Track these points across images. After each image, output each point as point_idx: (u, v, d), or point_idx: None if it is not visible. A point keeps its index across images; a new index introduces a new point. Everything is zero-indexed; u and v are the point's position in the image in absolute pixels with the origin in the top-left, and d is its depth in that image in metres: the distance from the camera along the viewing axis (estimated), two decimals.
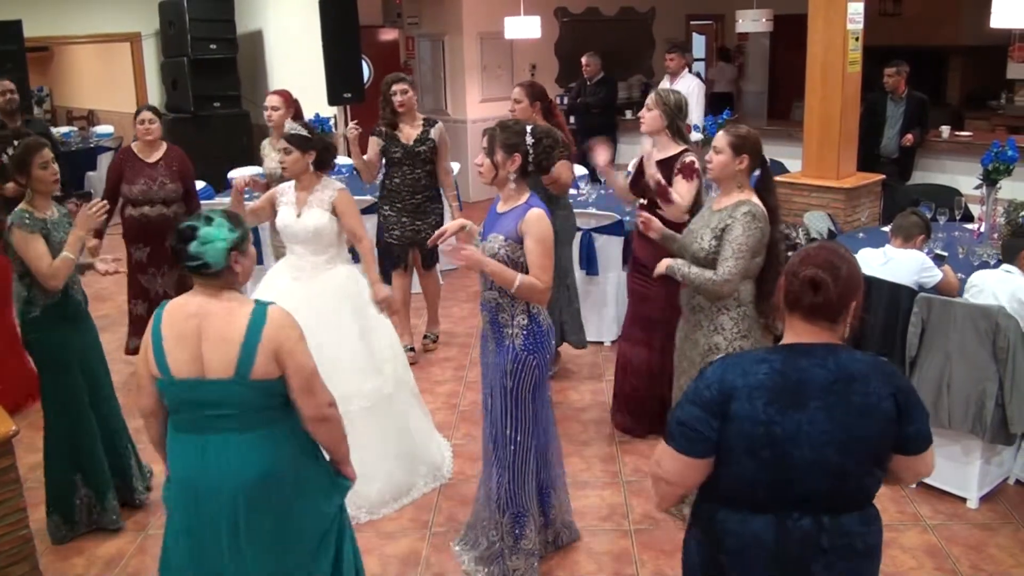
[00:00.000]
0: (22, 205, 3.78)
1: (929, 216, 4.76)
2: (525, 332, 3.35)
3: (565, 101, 10.22)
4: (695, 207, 4.26)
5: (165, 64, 10.16)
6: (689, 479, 2.18)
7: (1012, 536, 3.91)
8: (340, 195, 4.16)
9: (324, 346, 3.95)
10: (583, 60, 9.34)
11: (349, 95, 8.93)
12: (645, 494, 4.32)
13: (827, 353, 2.09)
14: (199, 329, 2.54)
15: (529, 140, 3.31)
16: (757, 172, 3.76)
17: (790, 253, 5.15)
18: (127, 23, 10.19)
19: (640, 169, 4.52)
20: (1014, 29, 9.97)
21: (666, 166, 4.37)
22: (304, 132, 4.14)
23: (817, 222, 5.62)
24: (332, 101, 8.87)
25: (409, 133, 5.63)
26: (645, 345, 4.68)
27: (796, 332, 2.15)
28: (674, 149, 4.43)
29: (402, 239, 5.72)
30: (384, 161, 5.76)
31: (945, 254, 5.03)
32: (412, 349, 5.88)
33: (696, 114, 8.42)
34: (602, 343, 6.17)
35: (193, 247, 2.50)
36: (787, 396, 2.05)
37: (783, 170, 7.46)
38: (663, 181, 4.25)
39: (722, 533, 2.17)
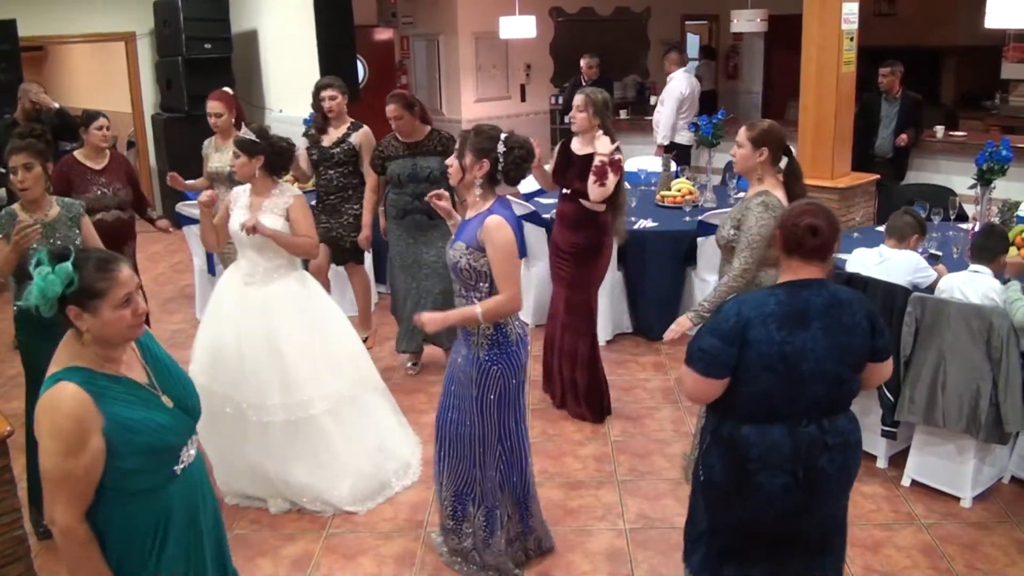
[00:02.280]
0: (15, 205, 3.80)
1: (924, 216, 4.76)
2: (489, 343, 3.36)
3: (560, 101, 10.24)
4: (616, 200, 4.74)
5: (159, 64, 10.13)
6: (705, 396, 2.68)
7: (1006, 535, 3.92)
8: (296, 201, 4.16)
9: (284, 353, 4.01)
10: (583, 63, 9.34)
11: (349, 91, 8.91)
12: (640, 493, 4.32)
13: (820, 286, 2.61)
14: None
15: (500, 148, 3.29)
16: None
17: None
18: (122, 23, 10.16)
19: (562, 160, 4.91)
20: (1008, 29, 10.00)
21: (589, 161, 4.69)
22: (253, 137, 4.12)
23: None
24: None
25: (332, 136, 5.76)
26: (559, 327, 5.07)
27: (794, 271, 2.65)
28: (603, 145, 4.68)
29: (321, 237, 5.72)
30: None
31: (940, 254, 5.04)
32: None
33: (665, 118, 8.49)
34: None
35: (31, 287, 2.16)
36: (793, 320, 2.55)
37: None
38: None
39: (746, 445, 2.61)
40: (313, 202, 5.89)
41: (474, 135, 3.34)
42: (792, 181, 3.85)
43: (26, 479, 3.99)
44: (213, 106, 5.66)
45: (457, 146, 3.37)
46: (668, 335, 3.82)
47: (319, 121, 5.79)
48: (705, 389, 2.64)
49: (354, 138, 5.73)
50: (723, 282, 3.84)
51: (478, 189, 3.35)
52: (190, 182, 5.96)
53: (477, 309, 3.27)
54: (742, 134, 3.86)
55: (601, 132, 4.73)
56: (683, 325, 3.82)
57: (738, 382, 2.59)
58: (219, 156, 5.70)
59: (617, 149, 4.70)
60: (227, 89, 5.95)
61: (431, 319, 3.34)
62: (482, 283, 3.31)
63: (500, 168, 3.30)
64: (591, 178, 4.64)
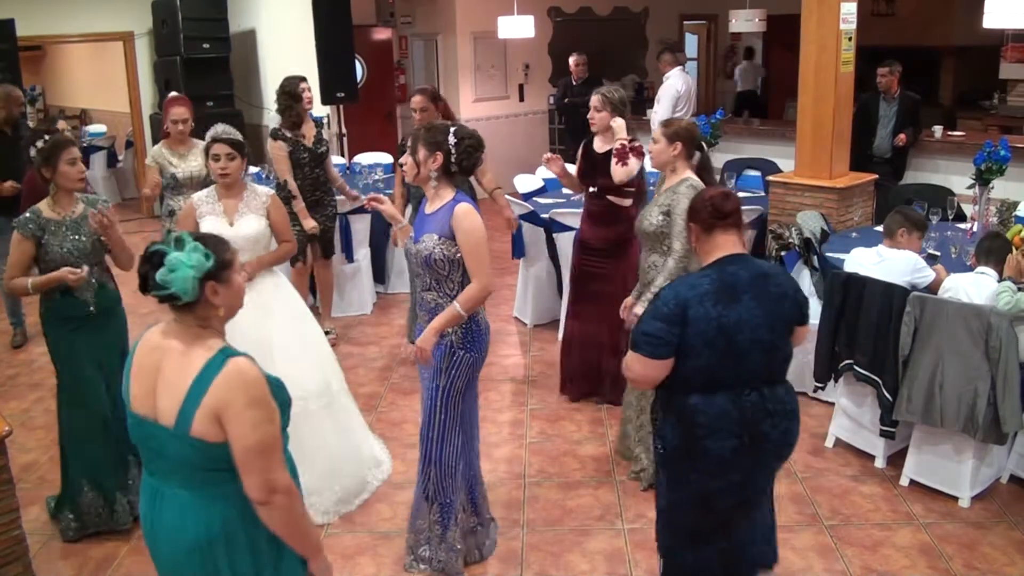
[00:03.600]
0: (41, 203, 3.82)
1: (922, 215, 4.76)
2: (464, 329, 3.42)
3: (552, 100, 10.25)
4: (641, 186, 4.92)
5: (158, 63, 10.12)
6: (652, 378, 2.85)
7: (1005, 535, 3.92)
8: (273, 200, 4.15)
9: (275, 354, 3.97)
10: (572, 60, 9.37)
11: (342, 95, 8.91)
12: (639, 493, 4.32)
13: (743, 260, 2.86)
14: (158, 364, 2.25)
15: (451, 140, 3.34)
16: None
17: (784, 253, 5.23)
18: (120, 22, 10.15)
19: (585, 161, 5.04)
20: (1006, 29, 10.03)
21: (610, 157, 4.81)
22: (238, 135, 4.11)
23: (810, 221, 5.63)
24: (325, 100, 8.85)
25: (308, 135, 5.83)
26: (595, 320, 5.12)
27: (719, 246, 2.86)
28: (621, 130, 4.80)
29: (302, 234, 5.74)
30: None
31: (938, 254, 5.04)
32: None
33: (660, 118, 8.49)
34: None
35: (159, 275, 2.16)
36: (726, 295, 2.76)
37: (776, 170, 7.46)
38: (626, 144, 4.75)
39: (694, 413, 2.81)
40: (363, 200, 5.96)
41: (424, 131, 3.41)
42: (704, 173, 4.14)
43: (60, 477, 4.01)
44: (179, 112, 5.60)
45: (409, 145, 3.42)
46: (629, 323, 4.05)
47: (295, 117, 5.81)
48: (652, 371, 2.82)
49: (326, 133, 5.79)
50: (668, 267, 4.06)
51: (434, 183, 3.40)
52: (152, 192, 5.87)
53: (457, 307, 3.32)
54: (658, 131, 4.15)
55: (619, 121, 4.83)
56: (632, 306, 4.14)
57: (683, 358, 2.78)
58: (186, 161, 5.60)
59: (636, 139, 4.84)
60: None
61: (422, 352, 3.38)
62: (455, 273, 3.36)
63: (453, 159, 3.35)
64: (613, 160, 4.74)
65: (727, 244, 2.86)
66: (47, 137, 3.84)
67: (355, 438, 4.41)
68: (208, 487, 2.24)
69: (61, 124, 5.85)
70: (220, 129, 4.10)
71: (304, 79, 5.91)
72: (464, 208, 3.32)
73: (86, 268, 3.74)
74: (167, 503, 2.27)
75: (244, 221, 4.05)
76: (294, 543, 2.33)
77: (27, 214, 3.78)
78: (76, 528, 3.99)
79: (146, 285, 2.20)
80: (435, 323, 3.37)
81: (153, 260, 2.18)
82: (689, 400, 2.81)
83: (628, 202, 4.90)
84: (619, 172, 4.74)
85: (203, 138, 5.80)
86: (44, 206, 3.81)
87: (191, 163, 5.53)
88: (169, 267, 2.16)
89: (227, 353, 2.22)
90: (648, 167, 4.57)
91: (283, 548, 2.33)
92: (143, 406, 2.26)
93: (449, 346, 3.42)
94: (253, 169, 5.85)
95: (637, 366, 2.84)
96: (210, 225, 3.98)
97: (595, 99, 4.86)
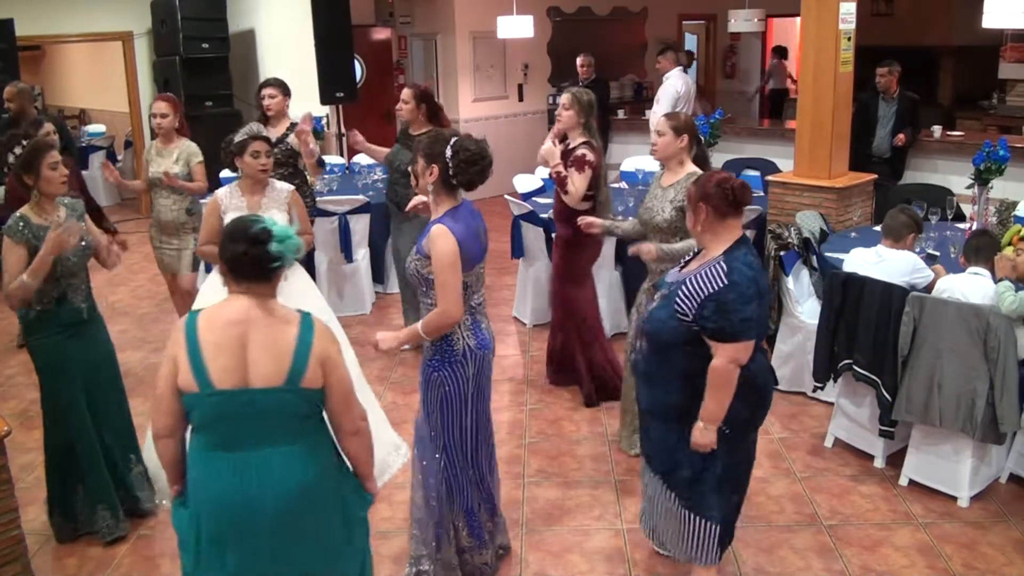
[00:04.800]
0: (24, 208, 3.75)
1: (921, 215, 4.77)
2: (434, 348, 3.34)
3: (556, 101, 10.21)
4: (597, 197, 4.92)
5: (157, 63, 10.12)
6: (747, 357, 2.98)
7: (1004, 534, 3.93)
8: (293, 195, 4.23)
9: None
10: (579, 61, 9.34)
11: (341, 94, 8.91)
12: (638, 493, 4.32)
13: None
14: (243, 336, 2.49)
15: (448, 152, 3.24)
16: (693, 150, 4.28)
17: (783, 253, 5.23)
18: (119, 22, 10.15)
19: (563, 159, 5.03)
20: (1006, 29, 10.03)
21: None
22: (268, 134, 4.15)
23: (809, 221, 5.63)
24: (324, 100, 8.86)
25: (273, 136, 5.67)
26: (564, 319, 5.31)
27: (729, 228, 3.02)
28: (574, 144, 4.90)
29: None
30: None
31: (937, 254, 5.05)
32: None
33: (687, 109, 8.47)
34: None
35: (274, 247, 2.48)
36: (761, 265, 3.08)
37: (775, 169, 7.46)
38: (563, 172, 4.85)
39: (755, 376, 3.04)
40: (363, 199, 5.95)
41: (426, 140, 3.33)
42: (703, 165, 4.24)
43: (45, 479, 4.00)
44: (159, 107, 5.56)
45: (413, 154, 3.38)
46: (646, 255, 4.13)
47: (259, 120, 5.78)
48: (750, 350, 2.98)
49: (292, 139, 5.68)
50: (690, 245, 3.96)
51: (432, 195, 3.33)
52: (127, 181, 5.88)
53: (419, 328, 3.27)
54: (662, 123, 4.19)
55: (581, 131, 4.91)
56: (652, 251, 4.13)
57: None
58: (160, 160, 5.59)
59: (586, 144, 4.86)
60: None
61: (383, 339, 3.33)
62: (431, 291, 3.27)
63: (450, 172, 3.25)
64: (570, 168, 4.84)
65: (736, 228, 3.04)
66: (24, 143, 3.81)
67: (374, 421, 4.43)
68: (307, 436, 2.58)
69: (47, 127, 5.87)
70: (256, 128, 4.17)
71: (268, 84, 5.81)
72: (438, 230, 3.20)
73: (75, 223, 3.70)
74: (269, 462, 2.51)
75: (268, 216, 4.07)
76: (367, 467, 2.77)
77: (16, 219, 3.69)
78: (71, 528, 3.99)
79: (261, 263, 2.48)
80: (401, 333, 3.36)
81: (261, 237, 2.47)
82: (750, 367, 3.00)
83: (583, 206, 4.86)
84: (570, 199, 4.84)
85: (195, 139, 5.83)
86: (29, 211, 3.74)
87: (165, 162, 5.51)
88: (278, 239, 2.47)
89: (308, 313, 2.61)
90: (642, 165, 4.61)
91: (351, 479, 2.76)
92: (232, 378, 2.47)
93: (425, 363, 3.38)
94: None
95: (743, 353, 2.95)
96: None
97: (565, 97, 4.93)
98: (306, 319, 2.58)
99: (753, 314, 2.93)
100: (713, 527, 3.18)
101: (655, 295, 3.20)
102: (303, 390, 2.51)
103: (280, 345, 2.49)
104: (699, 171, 4.09)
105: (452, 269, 3.19)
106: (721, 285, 2.91)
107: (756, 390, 3.08)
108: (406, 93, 5.64)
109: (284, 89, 5.85)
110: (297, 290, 4.29)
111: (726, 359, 2.93)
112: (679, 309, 2.97)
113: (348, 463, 2.78)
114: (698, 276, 2.97)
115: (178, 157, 5.53)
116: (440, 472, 3.46)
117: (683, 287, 2.98)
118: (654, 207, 4.22)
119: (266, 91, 5.78)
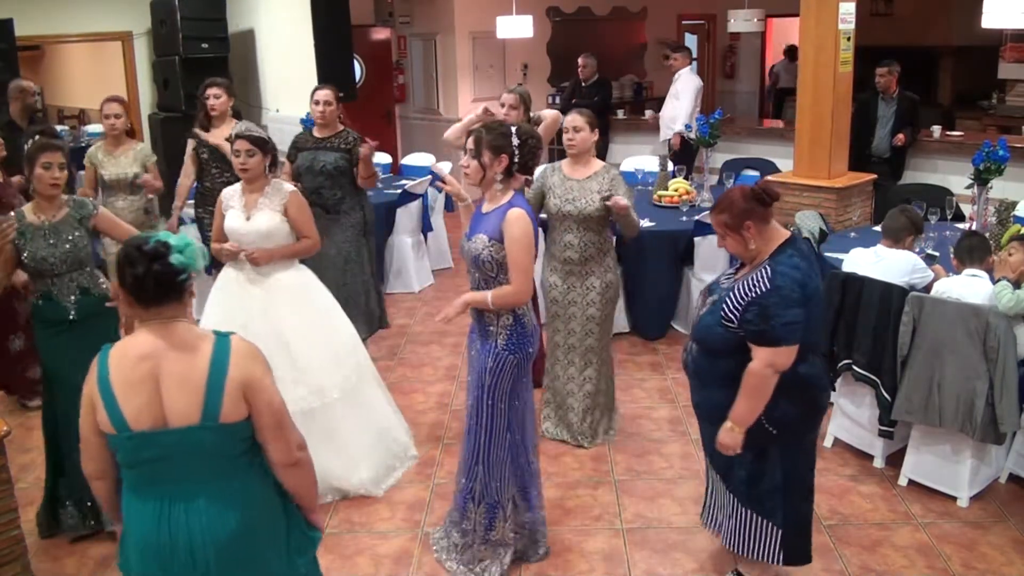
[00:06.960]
0: (27, 205, 3.83)
1: (921, 215, 4.76)
2: (508, 331, 3.43)
3: (557, 101, 10.22)
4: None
5: (156, 63, 10.11)
6: (790, 362, 2.95)
7: (1003, 534, 3.93)
8: (292, 197, 4.16)
9: (291, 345, 4.06)
10: (580, 61, 9.33)
11: (341, 94, 8.87)
12: (638, 493, 4.32)
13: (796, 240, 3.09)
14: (154, 372, 2.24)
15: (515, 141, 3.37)
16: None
17: None
18: (118, 22, 10.15)
19: None
20: (1005, 29, 10.03)
21: None
22: (261, 133, 4.12)
23: (809, 221, 5.63)
24: None
25: (219, 136, 5.59)
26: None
27: (774, 228, 3.03)
28: None
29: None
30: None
31: (936, 254, 5.05)
32: None
33: (686, 110, 8.47)
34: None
35: (175, 259, 2.23)
36: (813, 270, 3.01)
37: (775, 169, 7.47)
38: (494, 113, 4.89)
39: (809, 378, 3.04)
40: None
41: (487, 133, 3.40)
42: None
43: (45, 478, 4.00)
44: (113, 108, 5.52)
45: (471, 147, 3.41)
46: (620, 209, 4.35)
47: (202, 119, 5.72)
48: (793, 355, 2.95)
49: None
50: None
51: (498, 184, 3.43)
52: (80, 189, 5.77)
53: (489, 297, 3.36)
54: (579, 119, 4.52)
55: None
56: (623, 204, 4.36)
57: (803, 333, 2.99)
58: (115, 163, 5.55)
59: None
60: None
61: (457, 305, 3.42)
62: (503, 275, 3.38)
63: (517, 160, 3.38)
64: None
65: (779, 227, 3.05)
66: (37, 137, 3.85)
67: (380, 425, 4.48)
68: (235, 477, 2.32)
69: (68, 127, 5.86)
70: (244, 127, 4.14)
71: (213, 84, 5.72)
72: (516, 213, 3.35)
73: (12, 215, 3.72)
74: (197, 506, 2.28)
75: (259, 216, 4.09)
76: (308, 499, 2.53)
77: (19, 213, 3.76)
78: (53, 526, 4.00)
79: (164, 279, 2.24)
80: (467, 296, 3.43)
81: (159, 252, 2.23)
82: (799, 371, 2.98)
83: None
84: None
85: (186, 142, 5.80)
86: (28, 209, 3.79)
87: (121, 164, 5.49)
88: (177, 248, 2.24)
89: (223, 333, 2.33)
90: (642, 164, 4.60)
91: (294, 516, 2.50)
92: (147, 419, 2.23)
93: (494, 347, 3.43)
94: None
95: (784, 358, 2.93)
96: (230, 218, 4.12)
97: (511, 98, 5.07)
98: (220, 342, 2.29)
99: (798, 318, 2.89)
100: (774, 529, 3.22)
101: (707, 299, 3.20)
102: (223, 426, 2.25)
103: (192, 378, 2.23)
104: (604, 162, 4.51)
105: (529, 250, 3.38)
106: (764, 289, 2.92)
107: (806, 390, 3.06)
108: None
109: (229, 90, 5.80)
110: (322, 307, 4.32)
111: (763, 363, 2.93)
112: (725, 316, 3.00)
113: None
114: (745, 282, 2.99)
115: (135, 159, 5.53)
116: (506, 452, 3.55)
117: (731, 294, 3.00)
118: (579, 200, 4.49)
119: (211, 91, 5.67)
